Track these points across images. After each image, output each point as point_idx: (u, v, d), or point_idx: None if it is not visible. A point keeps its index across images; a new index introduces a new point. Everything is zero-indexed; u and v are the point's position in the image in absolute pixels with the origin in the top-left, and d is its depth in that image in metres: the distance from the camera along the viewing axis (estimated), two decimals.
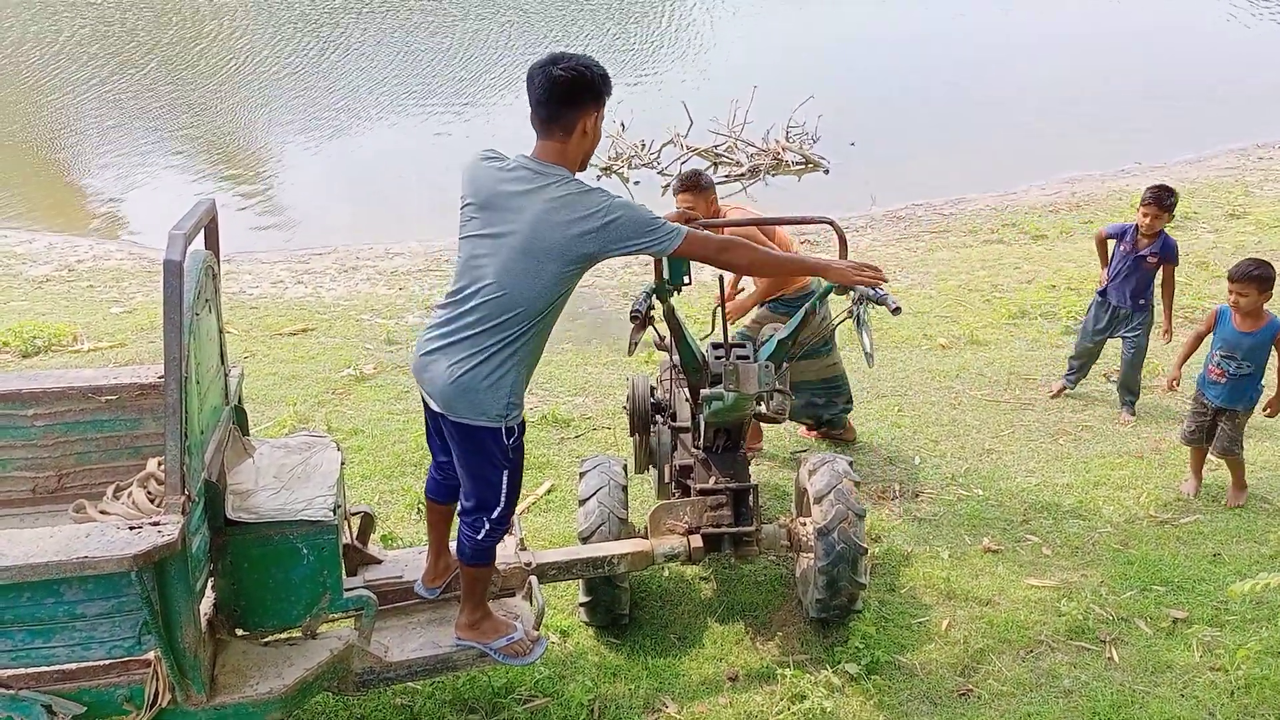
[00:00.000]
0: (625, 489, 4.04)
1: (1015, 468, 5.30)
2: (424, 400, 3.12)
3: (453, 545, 3.33)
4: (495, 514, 3.10)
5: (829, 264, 3.28)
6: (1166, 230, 5.65)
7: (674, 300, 3.79)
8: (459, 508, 3.19)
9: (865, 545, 3.85)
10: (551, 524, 4.85)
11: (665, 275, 3.66)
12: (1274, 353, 4.79)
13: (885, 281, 3.24)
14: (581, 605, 3.98)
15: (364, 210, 11.98)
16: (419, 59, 17.19)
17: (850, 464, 4.03)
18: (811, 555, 3.93)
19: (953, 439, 5.63)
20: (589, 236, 2.72)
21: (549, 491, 5.16)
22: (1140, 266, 5.63)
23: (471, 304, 2.86)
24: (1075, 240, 9.36)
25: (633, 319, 3.68)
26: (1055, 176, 11.64)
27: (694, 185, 4.66)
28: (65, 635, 2.62)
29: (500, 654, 3.27)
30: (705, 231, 2.94)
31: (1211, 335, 4.87)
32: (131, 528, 2.59)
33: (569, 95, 2.75)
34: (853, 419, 5.69)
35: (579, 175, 2.86)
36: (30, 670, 2.67)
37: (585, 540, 3.87)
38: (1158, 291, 5.76)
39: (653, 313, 3.74)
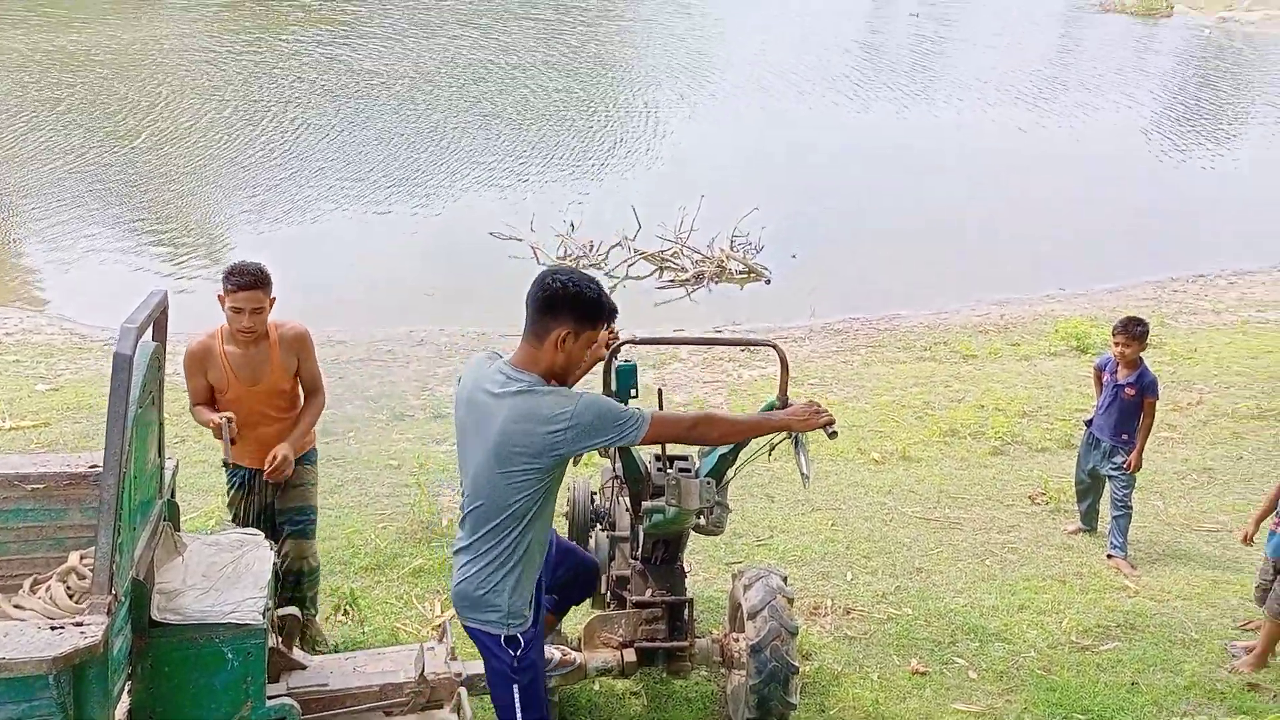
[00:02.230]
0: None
1: (944, 587, 5.39)
2: None
3: None
4: None
5: (788, 418, 3.31)
6: (1146, 363, 5.75)
7: None
8: None
9: (797, 664, 3.87)
10: None
11: (614, 387, 3.73)
12: None
13: (830, 417, 3.33)
14: None
15: (304, 296, 11.95)
16: (371, 149, 17.39)
17: (784, 579, 4.07)
18: (743, 672, 3.94)
19: (884, 555, 5.72)
20: (557, 438, 2.79)
21: None
22: (1120, 397, 5.73)
23: (467, 514, 3.00)
24: (1003, 361, 9.71)
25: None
26: (985, 298, 12.11)
27: None
28: None
29: None
30: (669, 412, 3.06)
31: None
32: (53, 627, 2.51)
33: (547, 305, 2.86)
34: (789, 533, 5.75)
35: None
36: None
37: None
38: None
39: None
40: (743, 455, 3.94)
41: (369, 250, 13.90)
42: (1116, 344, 5.72)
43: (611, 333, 3.48)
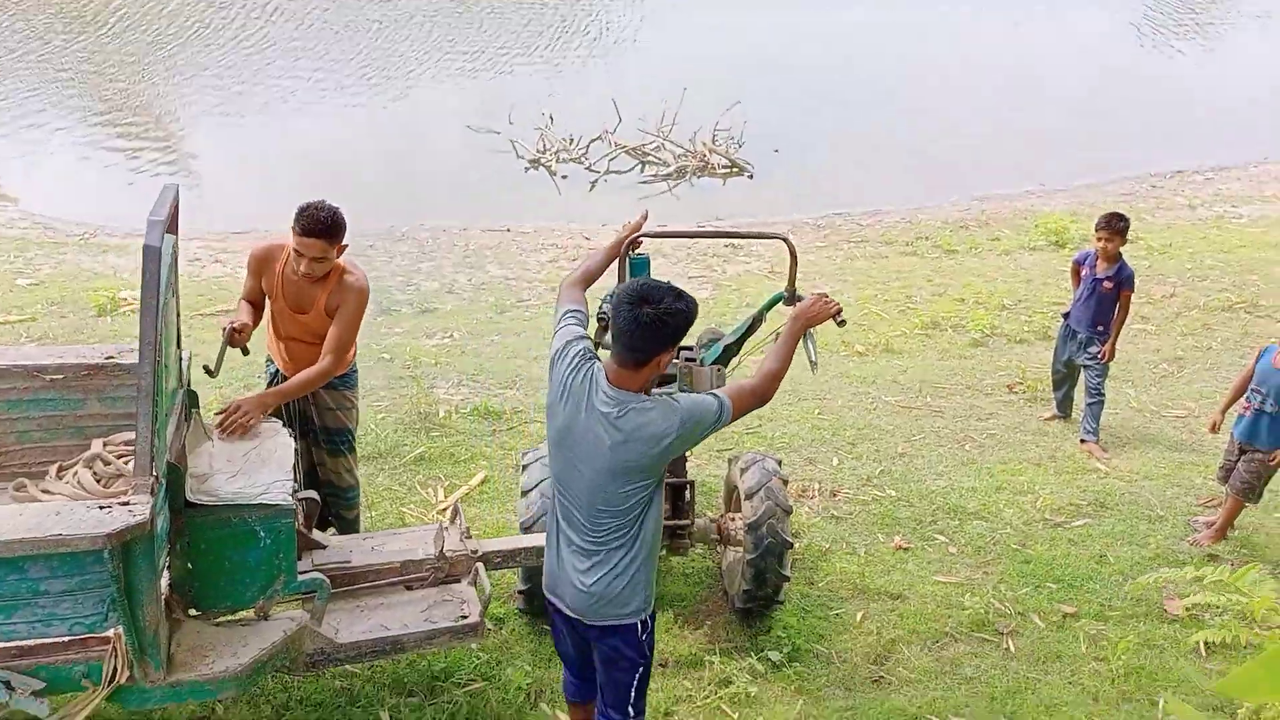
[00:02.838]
0: None
1: (925, 471, 5.65)
2: (555, 609, 3.11)
3: None
4: (634, 711, 3.09)
5: (806, 319, 3.22)
6: (1125, 258, 5.90)
7: None
8: (597, 705, 3.18)
9: (791, 540, 4.10)
10: (486, 514, 4.98)
11: (627, 280, 3.79)
12: None
13: (838, 305, 3.37)
14: (519, 593, 4.13)
15: (281, 192, 11.81)
16: (345, 42, 16.92)
17: (779, 463, 4.27)
18: (740, 549, 4.16)
19: (868, 442, 5.95)
20: (668, 453, 2.85)
21: (483, 482, 5.29)
22: (1098, 291, 5.89)
23: (580, 516, 2.92)
24: (983, 256, 9.86)
25: (599, 319, 3.83)
26: (966, 194, 12.18)
27: None
28: (27, 611, 2.66)
29: None
30: (739, 388, 2.95)
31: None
32: (102, 507, 2.64)
33: (659, 340, 2.77)
34: (776, 421, 5.96)
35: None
36: None
37: (527, 530, 4.01)
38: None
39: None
40: (748, 345, 4.09)
41: (344, 144, 13.68)
42: (1099, 238, 5.85)
43: (633, 226, 3.51)
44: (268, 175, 12.32)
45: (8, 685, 2.69)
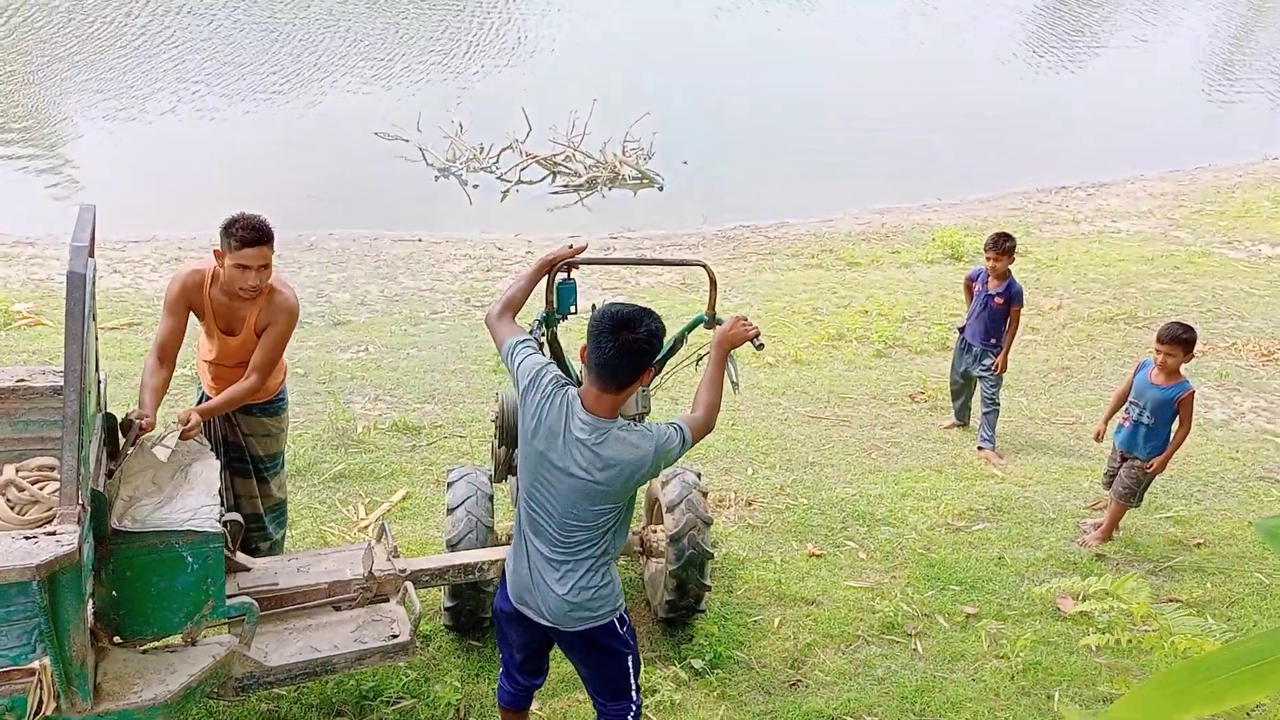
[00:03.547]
0: (491, 498, 4.25)
1: (835, 479, 5.88)
2: (518, 617, 3.15)
3: None
4: (635, 695, 3.21)
5: (722, 350, 3.30)
6: (1014, 274, 6.22)
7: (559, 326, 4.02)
8: (598, 705, 3.25)
9: (711, 550, 4.24)
10: (408, 530, 4.99)
11: (555, 305, 3.86)
12: (1178, 414, 5.04)
13: (756, 329, 3.52)
14: (446, 610, 4.16)
15: (183, 199, 11.47)
16: (242, 40, 16.52)
17: (698, 476, 4.41)
18: (662, 560, 4.29)
19: (781, 452, 6.16)
20: (640, 479, 2.96)
21: (404, 499, 5.29)
22: (990, 306, 6.21)
23: (550, 529, 2.98)
24: (884, 269, 10.25)
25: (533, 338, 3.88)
26: (867, 206, 12.62)
27: None
28: None
29: None
30: (692, 419, 3.06)
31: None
32: (28, 537, 2.60)
33: (636, 361, 2.87)
34: None
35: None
36: None
37: (453, 547, 4.06)
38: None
39: (543, 339, 3.93)
40: (670, 364, 4.21)
41: (248, 149, 13.37)
42: (988, 258, 6.19)
43: (572, 250, 3.57)
44: (168, 182, 11.95)
45: None
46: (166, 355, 3.81)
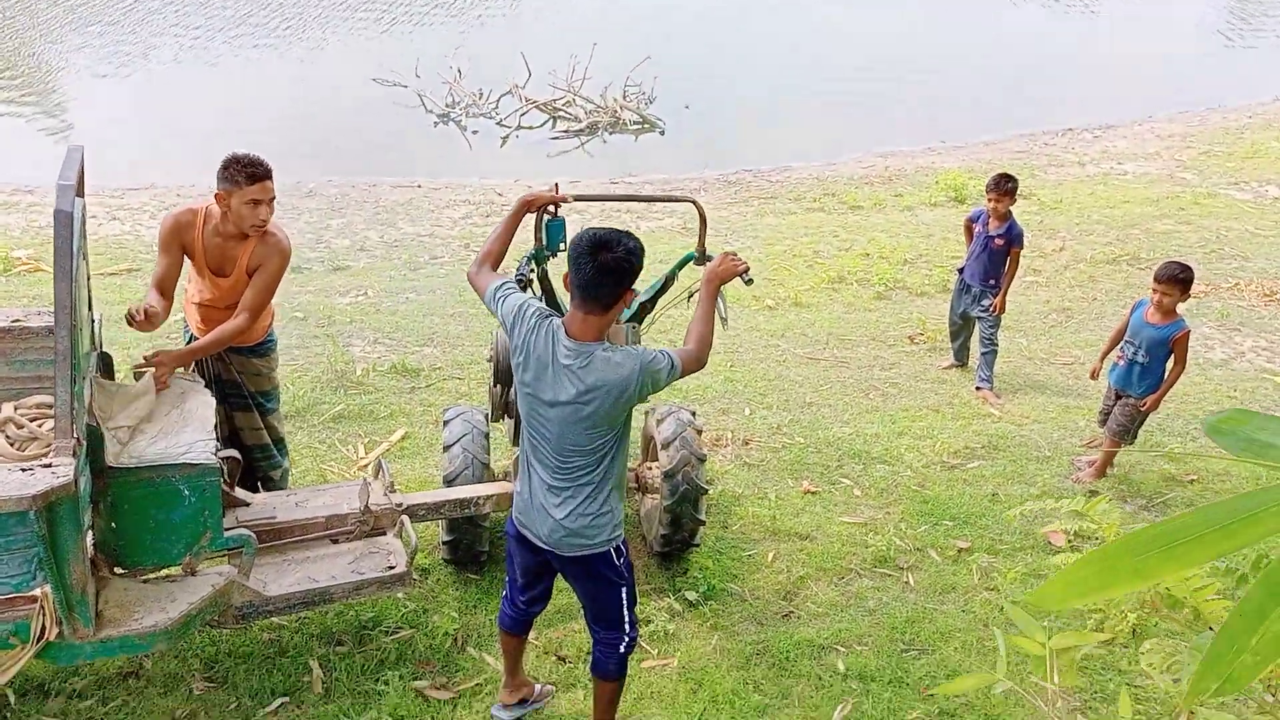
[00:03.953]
0: (487, 436, 4.30)
1: (832, 419, 5.91)
2: (520, 539, 3.22)
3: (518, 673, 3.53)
4: (629, 627, 3.27)
5: (711, 286, 3.26)
6: (1014, 215, 6.18)
7: (549, 264, 4.03)
8: (594, 632, 3.31)
9: (705, 486, 4.29)
10: (407, 469, 5.05)
11: (544, 241, 3.88)
12: (1173, 353, 5.03)
13: (745, 264, 3.51)
14: (443, 544, 4.23)
15: (182, 144, 11.42)
16: None
17: (693, 414, 4.45)
18: (657, 496, 4.34)
19: (778, 392, 6.19)
20: (628, 400, 2.97)
21: (403, 439, 5.35)
22: (989, 247, 6.18)
23: (549, 458, 3.02)
24: (886, 212, 10.19)
25: (517, 282, 3.89)
26: (871, 150, 12.52)
27: None
28: None
29: None
30: (683, 350, 3.08)
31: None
32: (24, 469, 2.65)
33: (618, 278, 2.88)
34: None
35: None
36: None
37: (449, 483, 4.11)
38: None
39: (532, 275, 3.96)
40: (661, 302, 4.22)
41: (247, 97, 13.29)
42: (989, 199, 6.14)
43: (557, 189, 3.57)
44: (167, 130, 11.89)
45: None
46: (166, 289, 3.85)
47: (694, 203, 4.16)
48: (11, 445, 3.39)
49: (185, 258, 3.94)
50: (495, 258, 3.27)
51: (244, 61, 14.68)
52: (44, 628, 2.81)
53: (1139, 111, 14.19)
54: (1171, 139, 13.01)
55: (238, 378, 4.13)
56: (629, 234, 2.96)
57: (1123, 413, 5.20)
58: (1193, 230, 9.57)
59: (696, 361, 3.16)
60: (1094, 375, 5.50)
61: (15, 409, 3.55)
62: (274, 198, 3.82)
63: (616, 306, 2.95)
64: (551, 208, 3.73)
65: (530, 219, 3.67)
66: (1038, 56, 16.65)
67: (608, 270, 2.86)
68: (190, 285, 4.09)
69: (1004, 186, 6.12)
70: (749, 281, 3.54)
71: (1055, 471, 5.44)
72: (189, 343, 4.07)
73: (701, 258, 4.10)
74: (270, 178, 3.78)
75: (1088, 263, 8.76)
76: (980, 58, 16.18)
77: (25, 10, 15.63)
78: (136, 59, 14.42)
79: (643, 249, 2.97)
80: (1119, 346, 5.28)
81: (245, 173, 3.70)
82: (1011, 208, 6.18)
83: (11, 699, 3.34)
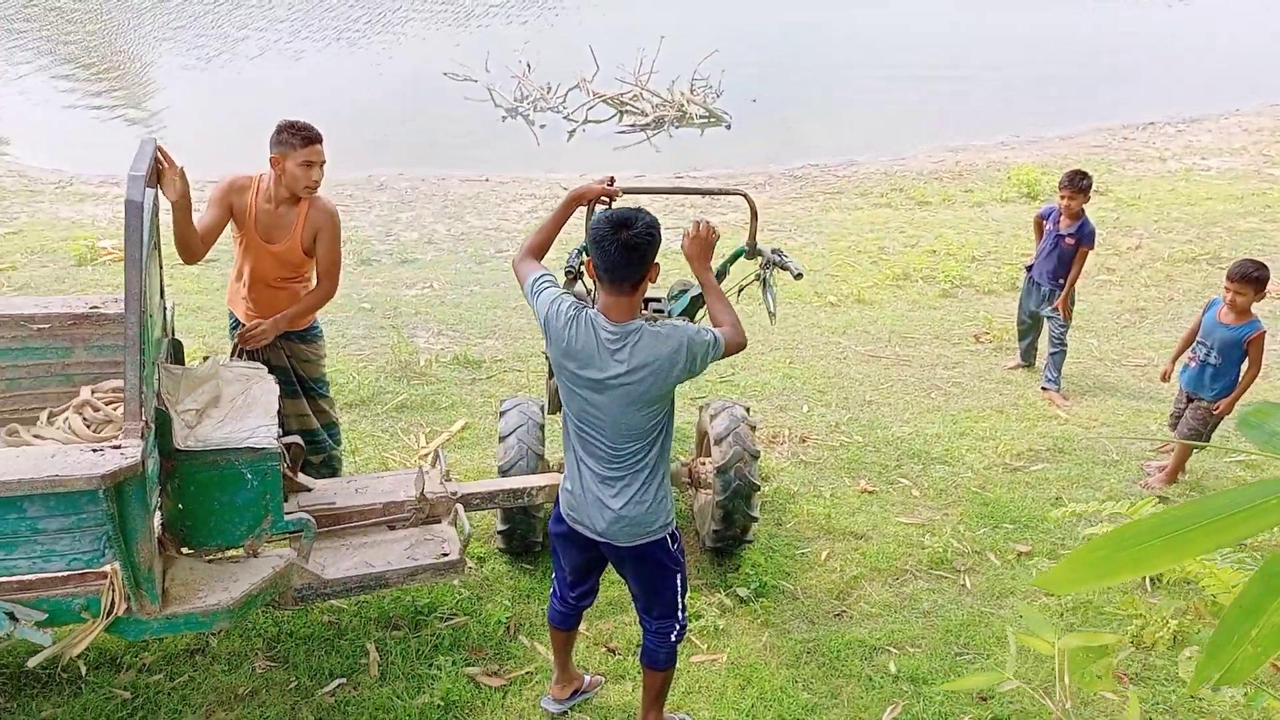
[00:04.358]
0: (542, 428, 4.35)
1: (892, 418, 5.83)
2: (570, 536, 3.24)
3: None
4: (681, 615, 3.32)
5: (702, 263, 3.26)
6: (1088, 215, 6.01)
7: None
8: (644, 623, 3.34)
9: (758, 483, 4.28)
10: (466, 459, 5.13)
11: None
12: (1247, 354, 4.90)
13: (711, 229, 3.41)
14: (498, 533, 4.29)
15: (255, 139, 11.73)
16: None
17: (747, 410, 4.44)
18: (710, 491, 4.34)
19: (837, 390, 6.13)
20: (677, 375, 2.99)
21: (463, 429, 5.44)
22: (1060, 246, 6.03)
23: (611, 453, 3.05)
24: (955, 208, 10.00)
25: (566, 273, 3.94)
26: (941, 145, 12.29)
27: None
28: (27, 548, 2.78)
29: None
30: (725, 330, 3.09)
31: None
32: (95, 450, 2.76)
33: (642, 257, 2.90)
34: (749, 370, 6.12)
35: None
36: None
37: (504, 473, 4.17)
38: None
39: (583, 267, 3.99)
40: None
41: (321, 92, 13.58)
42: (1062, 196, 5.98)
43: (611, 182, 3.59)
44: (243, 124, 12.24)
45: (11, 616, 2.84)
46: (206, 238, 3.92)
47: (745, 195, 4.15)
48: (88, 427, 3.55)
49: (230, 223, 4.05)
50: (540, 249, 3.30)
51: (326, 56, 15.02)
52: (113, 603, 2.93)
53: (1226, 104, 13.68)
54: (1260, 133, 12.52)
55: (287, 363, 4.27)
56: (644, 210, 2.97)
57: (1194, 416, 5.04)
58: (1278, 229, 9.20)
59: (735, 342, 3.15)
60: (1165, 377, 5.33)
61: (92, 392, 3.72)
62: (324, 161, 4.00)
63: (644, 283, 2.97)
64: (604, 201, 3.75)
65: (582, 212, 3.69)
66: (1118, 48, 16.16)
67: (631, 248, 2.88)
68: (235, 274, 4.22)
69: (1078, 183, 5.95)
70: (798, 275, 3.53)
71: (1123, 476, 5.30)
72: (235, 337, 4.21)
73: (752, 251, 4.08)
74: (321, 142, 3.97)
75: (1165, 261, 8.49)
76: (1058, 50, 15.75)
77: (120, 5, 16.20)
78: (224, 54, 14.86)
79: (658, 224, 2.97)
80: (1191, 348, 5.11)
81: (300, 136, 3.91)
82: (1085, 206, 6.02)
83: (84, 670, 3.50)
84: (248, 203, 4.04)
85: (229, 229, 4.09)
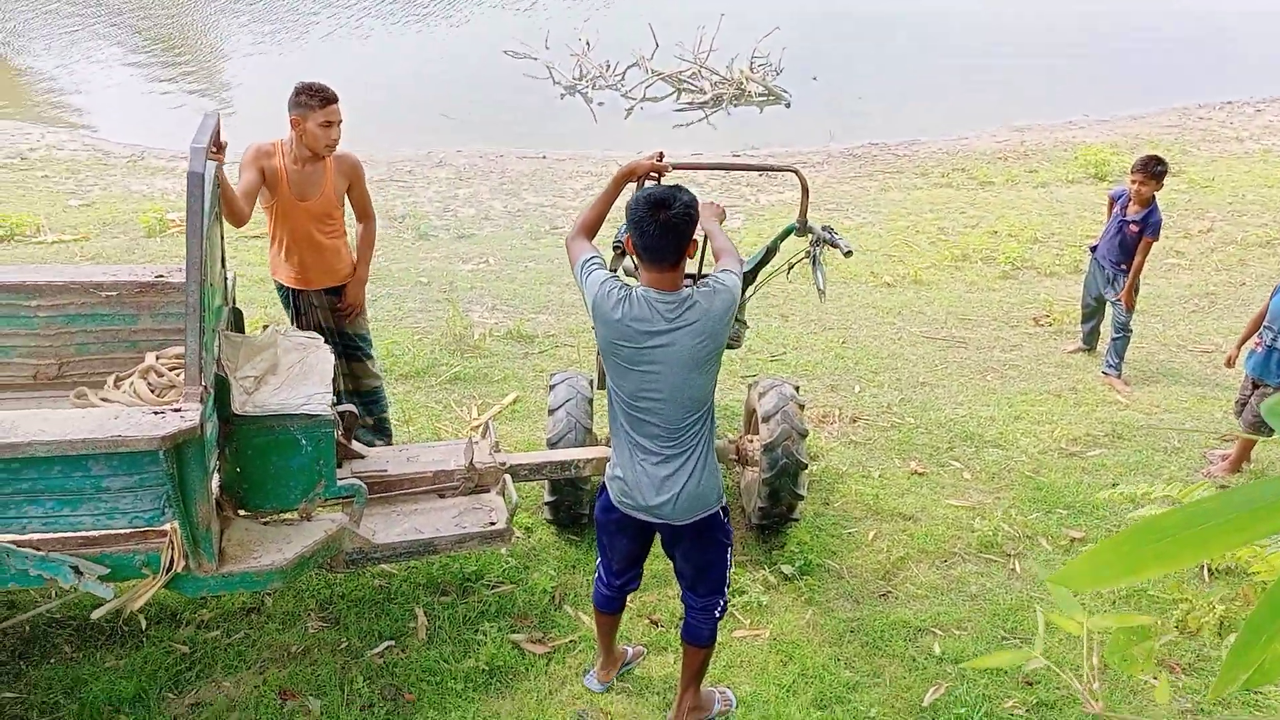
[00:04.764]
0: (590, 401, 4.38)
1: (945, 400, 5.76)
2: (623, 523, 3.26)
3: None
4: (727, 589, 3.37)
5: (713, 225, 3.42)
6: (1158, 202, 5.83)
7: None
8: (689, 601, 3.37)
9: (805, 461, 4.27)
10: (516, 431, 5.20)
11: None
12: None
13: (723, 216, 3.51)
14: (546, 504, 4.35)
15: None
16: None
17: (796, 388, 4.42)
18: (757, 468, 4.34)
19: (890, 371, 6.07)
20: (728, 325, 3.07)
21: (514, 402, 5.50)
22: (1124, 231, 5.87)
23: (670, 431, 3.07)
24: (1020, 189, 9.79)
25: (614, 249, 3.95)
26: (1006, 124, 12.01)
27: None
28: (91, 506, 2.90)
29: (721, 715, 3.55)
30: (728, 263, 3.15)
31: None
32: (156, 413, 2.86)
33: (683, 232, 2.95)
34: (801, 349, 6.08)
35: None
36: (59, 535, 2.96)
37: (553, 446, 4.22)
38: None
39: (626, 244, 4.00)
40: (762, 274, 4.20)
41: (382, 71, 13.74)
42: (1134, 181, 5.79)
43: (661, 157, 3.59)
44: None
45: (76, 570, 2.96)
46: (248, 201, 4.09)
47: (795, 172, 4.11)
48: (152, 391, 3.68)
49: (263, 187, 4.22)
50: (592, 227, 3.31)
51: (395, 36, 15.18)
52: (172, 560, 3.04)
53: None
54: None
55: (335, 323, 4.47)
56: (681, 188, 3.00)
57: (1260, 403, 4.88)
58: None
59: (742, 275, 3.26)
60: (1230, 363, 5.18)
61: (157, 358, 3.84)
62: (341, 120, 4.20)
63: (684, 259, 3.01)
64: (654, 176, 3.75)
65: (631, 189, 3.70)
66: (1196, 24, 15.59)
67: (670, 227, 2.91)
68: (276, 248, 4.37)
69: (1151, 169, 5.76)
70: (848, 253, 3.50)
71: (1184, 464, 5.17)
72: (288, 302, 4.47)
73: (803, 228, 4.05)
74: (337, 101, 4.18)
75: (1238, 245, 8.21)
76: (1132, 28, 15.26)
77: None
78: (297, 34, 15.10)
79: (695, 199, 3.01)
80: (1258, 332, 4.95)
81: (317, 98, 4.11)
82: (1157, 193, 5.83)
83: (144, 624, 3.64)
84: (278, 167, 4.22)
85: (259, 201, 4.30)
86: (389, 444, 4.65)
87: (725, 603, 3.37)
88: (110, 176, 9.94)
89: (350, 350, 4.57)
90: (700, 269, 4.05)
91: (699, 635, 3.36)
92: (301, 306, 4.47)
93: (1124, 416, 5.63)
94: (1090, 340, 6.40)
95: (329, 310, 4.49)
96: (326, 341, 4.31)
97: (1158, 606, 3.99)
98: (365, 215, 4.55)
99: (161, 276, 3.96)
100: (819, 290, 3.91)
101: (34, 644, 3.60)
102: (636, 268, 3.32)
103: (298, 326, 4.44)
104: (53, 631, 3.66)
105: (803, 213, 4.06)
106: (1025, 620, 4.00)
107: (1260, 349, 4.88)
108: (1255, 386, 4.94)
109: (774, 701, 3.55)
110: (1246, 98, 12.72)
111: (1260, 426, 4.92)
